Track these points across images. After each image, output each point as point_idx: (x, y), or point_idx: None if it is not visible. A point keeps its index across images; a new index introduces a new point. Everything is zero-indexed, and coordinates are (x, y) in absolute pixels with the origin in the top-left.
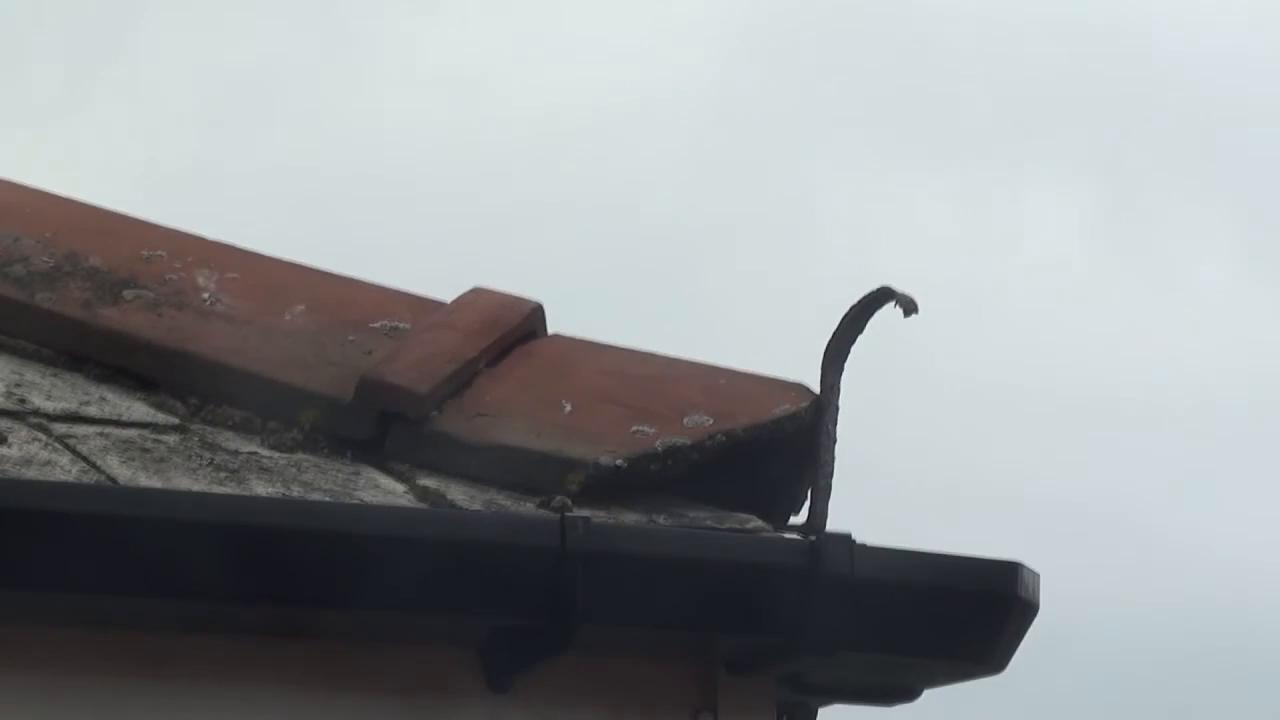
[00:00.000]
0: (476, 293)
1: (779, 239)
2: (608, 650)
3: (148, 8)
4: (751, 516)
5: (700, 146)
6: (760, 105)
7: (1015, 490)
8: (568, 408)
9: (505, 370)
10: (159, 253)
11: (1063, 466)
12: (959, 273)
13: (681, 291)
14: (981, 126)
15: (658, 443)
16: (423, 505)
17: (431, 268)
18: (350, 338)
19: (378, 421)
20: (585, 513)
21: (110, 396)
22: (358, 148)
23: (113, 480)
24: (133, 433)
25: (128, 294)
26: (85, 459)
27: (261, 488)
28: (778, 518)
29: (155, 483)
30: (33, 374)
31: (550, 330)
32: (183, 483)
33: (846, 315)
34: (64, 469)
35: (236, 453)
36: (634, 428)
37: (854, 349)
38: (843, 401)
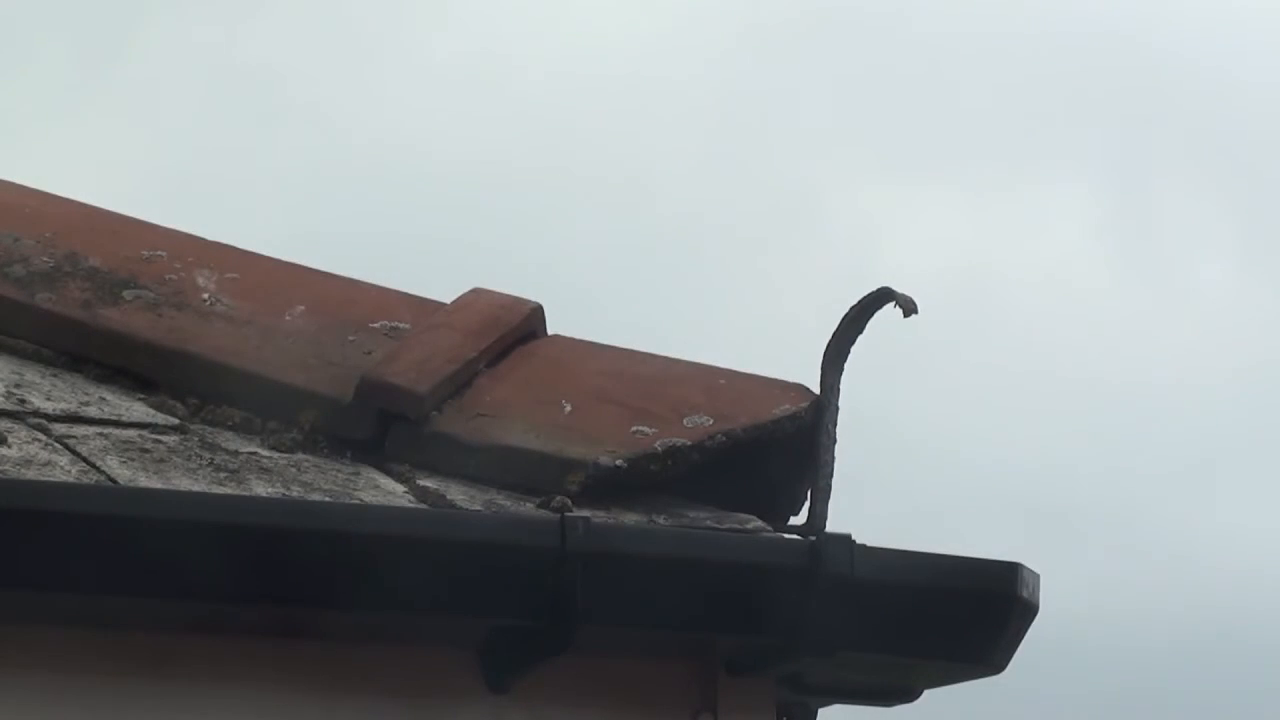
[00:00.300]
0: (476, 293)
1: (782, 239)
2: (607, 650)
3: (152, 7)
4: (751, 517)
5: (705, 146)
6: (765, 105)
7: (1016, 490)
8: (567, 408)
9: (505, 371)
10: (159, 253)
11: (1064, 466)
12: (961, 273)
13: (683, 291)
14: (985, 127)
15: (658, 443)
16: (423, 505)
17: (431, 268)
18: (350, 338)
19: (378, 422)
20: (585, 513)
21: (110, 397)
22: (360, 147)
23: (113, 480)
24: (133, 433)
25: (128, 294)
26: (85, 459)
27: (261, 488)
28: (778, 518)
29: (155, 483)
30: (33, 374)
31: (550, 330)
32: (183, 483)
33: (846, 316)
34: (64, 469)
35: (236, 453)
36: (634, 428)
37: (854, 349)
38: (843, 402)
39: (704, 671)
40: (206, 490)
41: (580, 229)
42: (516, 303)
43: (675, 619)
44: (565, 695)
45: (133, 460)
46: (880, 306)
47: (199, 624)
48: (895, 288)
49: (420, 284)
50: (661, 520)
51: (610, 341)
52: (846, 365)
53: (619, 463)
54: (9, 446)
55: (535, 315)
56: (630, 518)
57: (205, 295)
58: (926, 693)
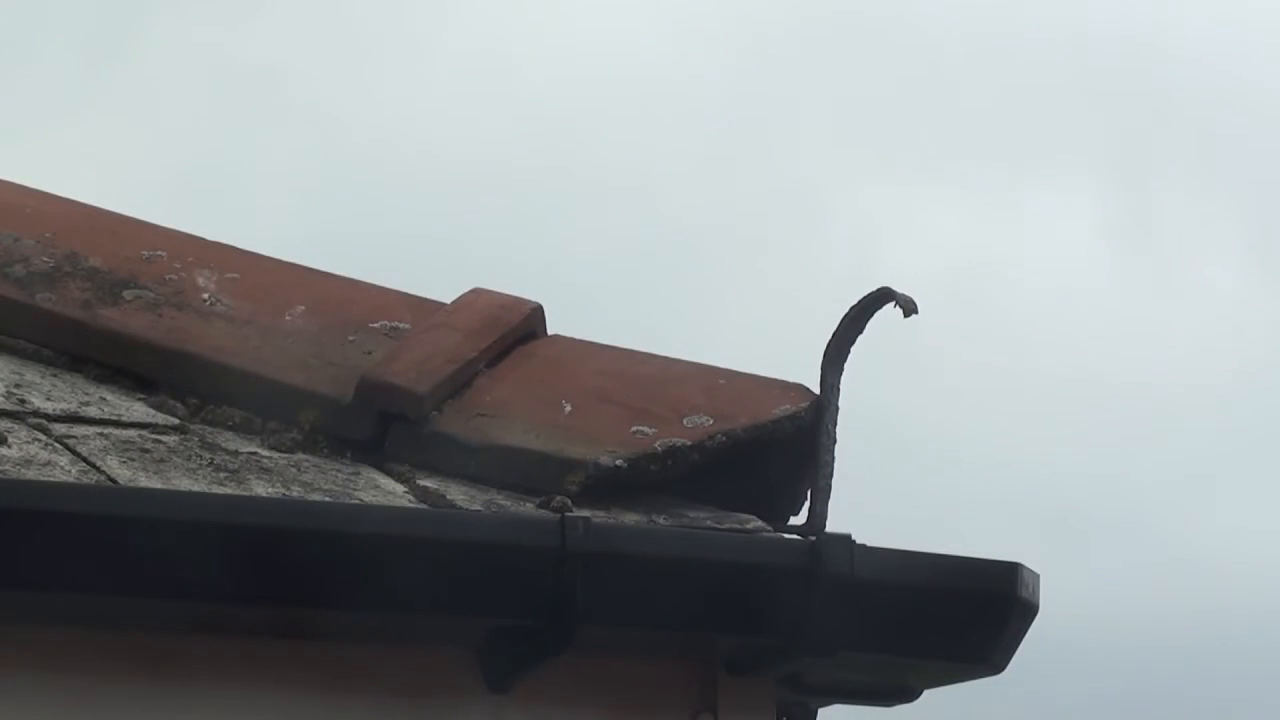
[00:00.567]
0: (476, 293)
1: (784, 239)
2: (607, 651)
3: (154, 7)
4: (751, 517)
5: (706, 146)
6: (767, 105)
7: (1017, 490)
8: (567, 408)
9: (505, 370)
10: (159, 253)
11: (1066, 467)
12: (963, 273)
13: (684, 291)
14: (988, 127)
15: (657, 443)
16: (422, 505)
17: (432, 268)
18: (350, 338)
19: (378, 422)
20: (585, 513)
21: (110, 397)
22: (361, 146)
23: (113, 480)
24: (133, 433)
25: (128, 294)
26: (85, 459)
27: (261, 488)
28: (778, 518)
29: (155, 483)
30: (33, 374)
31: (551, 330)
32: (183, 483)
33: (846, 316)
34: (64, 469)
35: (236, 453)
36: (634, 428)
37: (856, 350)
38: (845, 402)
39: (704, 671)
40: (206, 490)
41: (582, 229)
42: (516, 303)
43: (675, 619)
44: (565, 695)
45: (133, 460)
46: (880, 306)
47: (199, 624)
48: (895, 287)
49: (420, 284)
50: (661, 520)
51: (611, 341)
52: (846, 365)
53: (619, 463)
54: (9, 446)
55: (535, 315)
56: (630, 518)
57: (205, 295)
58: (926, 693)
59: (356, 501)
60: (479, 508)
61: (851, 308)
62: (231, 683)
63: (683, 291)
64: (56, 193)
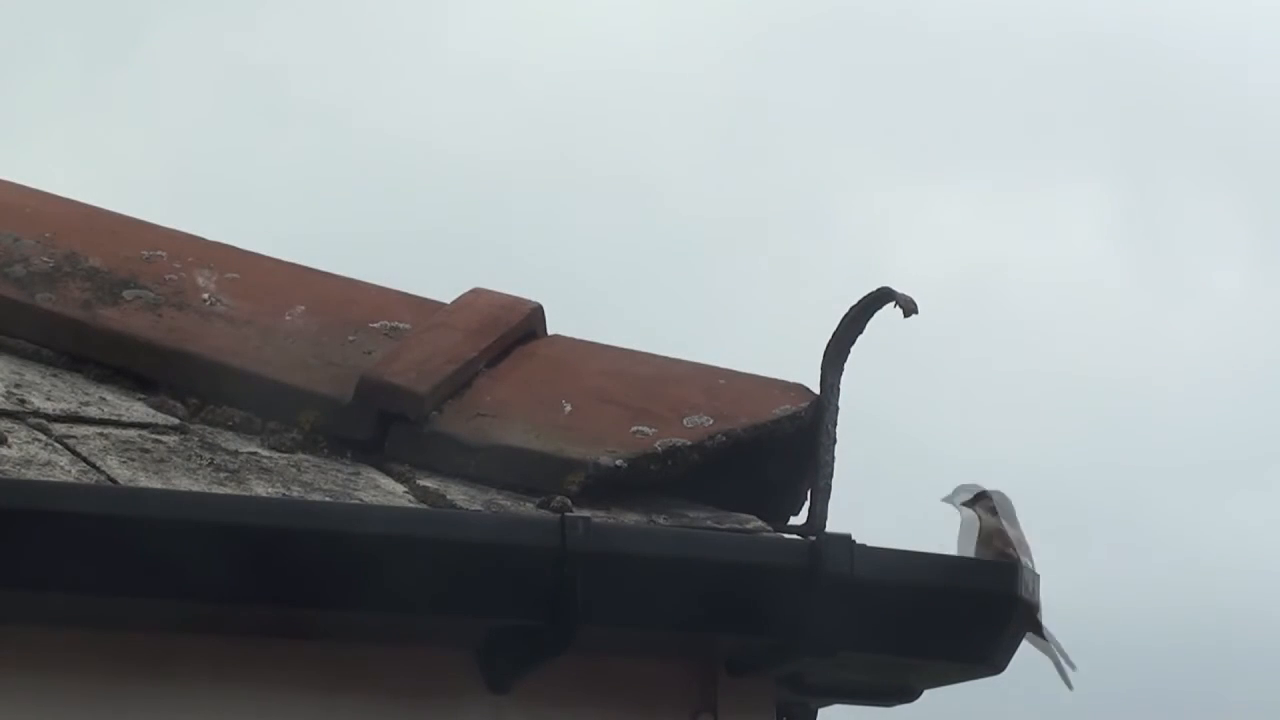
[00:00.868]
0: (476, 293)
1: (792, 239)
2: (608, 651)
3: (159, 7)
4: (751, 517)
5: (713, 145)
6: (774, 104)
7: (1022, 490)
8: (567, 408)
9: (505, 371)
10: (159, 253)
11: (1071, 466)
12: (971, 273)
13: (691, 291)
14: (997, 127)
15: (658, 443)
16: (422, 505)
17: (434, 268)
18: (350, 338)
19: (378, 422)
20: (585, 513)
21: (110, 397)
22: (365, 146)
23: (113, 480)
24: (133, 433)
25: (128, 294)
26: (85, 459)
27: (261, 488)
28: (778, 518)
29: (155, 483)
30: (33, 374)
31: (556, 330)
32: (183, 483)
33: (846, 316)
34: (64, 469)
35: (236, 453)
36: (634, 428)
37: (860, 350)
38: (849, 402)
39: (704, 671)
40: (206, 490)
41: (585, 228)
42: (516, 302)
43: (675, 619)
44: (565, 695)
45: (133, 460)
46: (880, 306)
47: (199, 624)
48: (896, 287)
49: (421, 284)
50: (661, 520)
51: (614, 341)
52: (848, 365)
53: (619, 463)
54: (9, 446)
55: (535, 315)
56: (630, 518)
57: (205, 295)
58: (926, 693)
59: (356, 501)
60: (479, 508)
61: (851, 308)
62: (231, 683)
63: (687, 291)
64: (57, 193)
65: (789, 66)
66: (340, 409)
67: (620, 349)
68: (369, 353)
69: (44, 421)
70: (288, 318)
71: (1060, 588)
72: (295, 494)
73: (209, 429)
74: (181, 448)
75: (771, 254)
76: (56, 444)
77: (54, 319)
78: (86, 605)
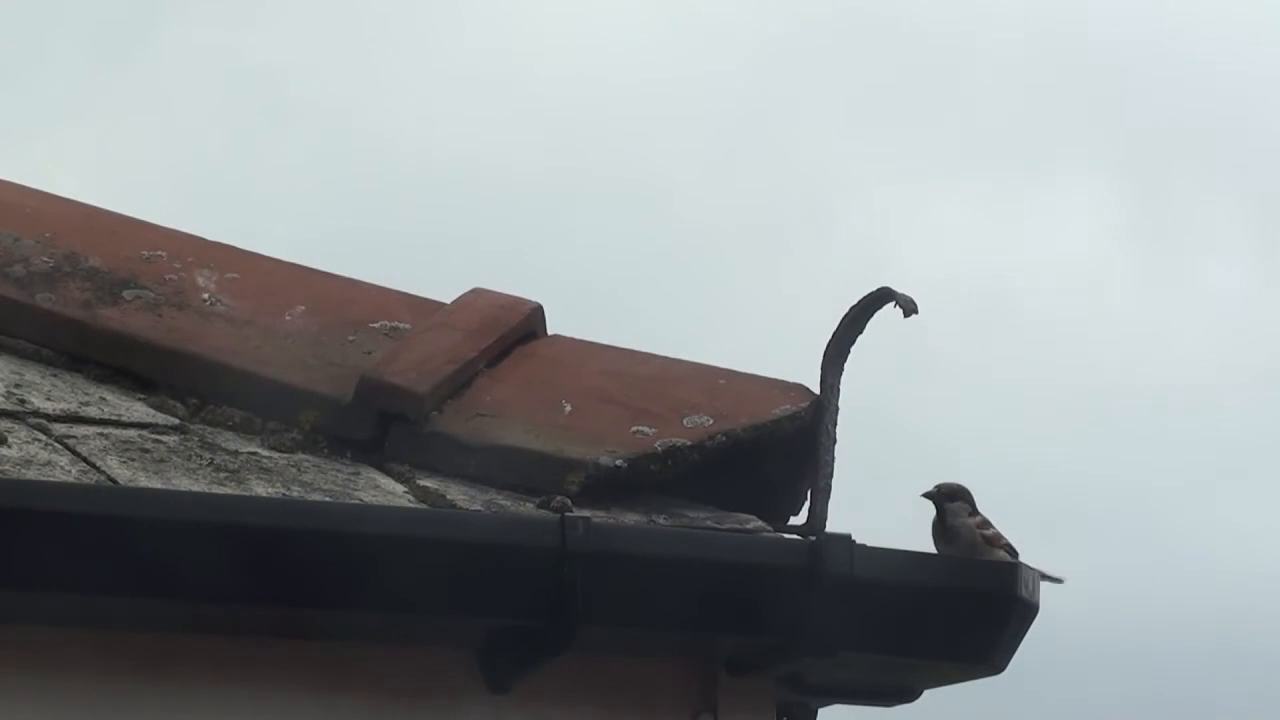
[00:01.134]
0: (476, 293)
1: (798, 240)
2: (608, 650)
3: (165, 8)
4: (751, 517)
5: (719, 147)
6: (780, 106)
7: (1027, 490)
8: (567, 408)
9: (505, 371)
10: (159, 253)
11: (1077, 467)
12: (976, 274)
13: (697, 293)
14: (1002, 129)
15: (658, 443)
16: (422, 505)
17: (436, 268)
18: (350, 338)
19: (378, 422)
20: (585, 513)
21: (110, 397)
22: (369, 147)
23: (113, 480)
24: (133, 433)
25: (128, 294)
26: (85, 459)
27: (261, 488)
28: (778, 518)
29: (155, 483)
30: (33, 374)
31: (562, 331)
32: (183, 483)
33: (846, 316)
34: (64, 469)
35: (236, 453)
36: (634, 428)
37: (864, 350)
38: (855, 402)
39: (704, 671)
40: (206, 490)
41: (591, 229)
42: (516, 303)
43: (675, 619)
44: (565, 695)
45: (133, 460)
46: (880, 307)
47: (199, 624)
48: (895, 287)
49: (424, 284)
50: (661, 520)
51: (619, 342)
52: (849, 365)
53: (619, 463)
54: (9, 446)
55: (535, 315)
56: (630, 518)
57: (205, 295)
58: (926, 693)
59: (356, 501)
60: (479, 508)
61: (851, 308)
62: (231, 683)
63: (689, 292)
64: (57, 193)
65: (792, 69)
66: (340, 409)
67: (620, 349)
68: (369, 353)
69: (44, 421)
70: (288, 318)
71: (1061, 589)
72: (295, 494)
73: (209, 429)
74: (181, 448)
75: (774, 255)
76: (56, 444)
77: (54, 319)
78: (86, 605)
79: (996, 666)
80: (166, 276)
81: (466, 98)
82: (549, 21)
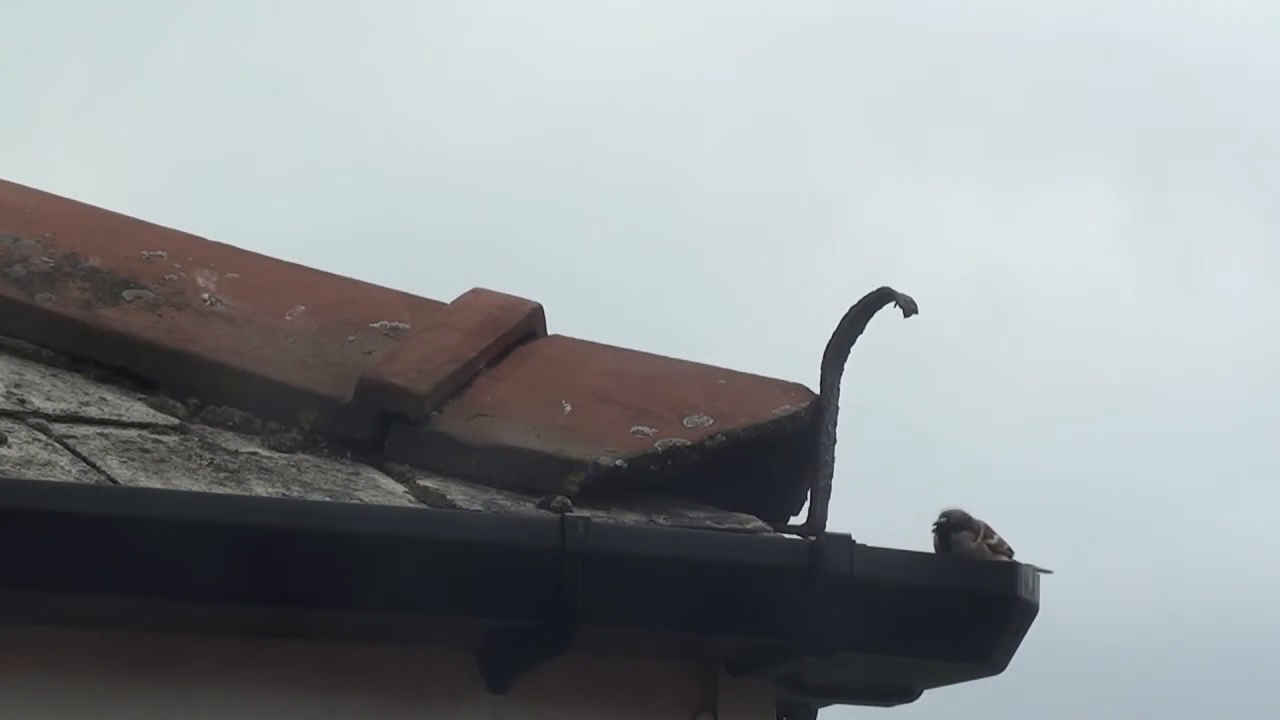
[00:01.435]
0: (476, 293)
1: (806, 240)
2: (607, 650)
3: (171, 9)
4: (751, 517)
5: (727, 148)
6: (788, 107)
7: (1032, 490)
8: (567, 408)
9: (505, 371)
10: (159, 253)
11: (1074, 466)
12: (983, 274)
13: (704, 293)
14: (1010, 130)
15: (657, 443)
16: (422, 505)
17: (439, 268)
18: (350, 338)
19: (378, 422)
20: (585, 513)
21: (110, 397)
22: (375, 147)
23: (113, 480)
24: (133, 433)
25: (128, 294)
26: (85, 459)
27: (261, 488)
28: (778, 518)
29: (155, 483)
30: (33, 374)
31: (567, 331)
32: (183, 483)
33: (846, 316)
34: (64, 469)
35: (236, 453)
36: (634, 428)
37: (866, 349)
38: (859, 401)
39: (704, 671)
40: (206, 490)
41: (598, 230)
42: (516, 303)
43: (675, 619)
44: (565, 695)
45: (133, 460)
46: (880, 307)
47: (199, 624)
48: (896, 288)
49: (428, 286)
50: (661, 520)
51: (625, 342)
52: (852, 365)
53: (619, 463)
54: (9, 446)
55: (535, 315)
56: (630, 518)
57: (205, 295)
58: (926, 693)
59: (356, 501)
60: (479, 508)
61: (851, 308)
62: (231, 683)
63: (694, 292)
64: (59, 193)
65: (798, 69)
66: (340, 409)
67: (620, 349)
68: (369, 353)
69: (44, 421)
70: (288, 318)
71: (1066, 589)
72: (295, 494)
73: (209, 429)
74: (181, 448)
75: (777, 255)
76: (56, 444)
77: (54, 319)
78: (87, 605)
79: (996, 666)
80: (166, 276)
81: (469, 98)
82: (552, 22)
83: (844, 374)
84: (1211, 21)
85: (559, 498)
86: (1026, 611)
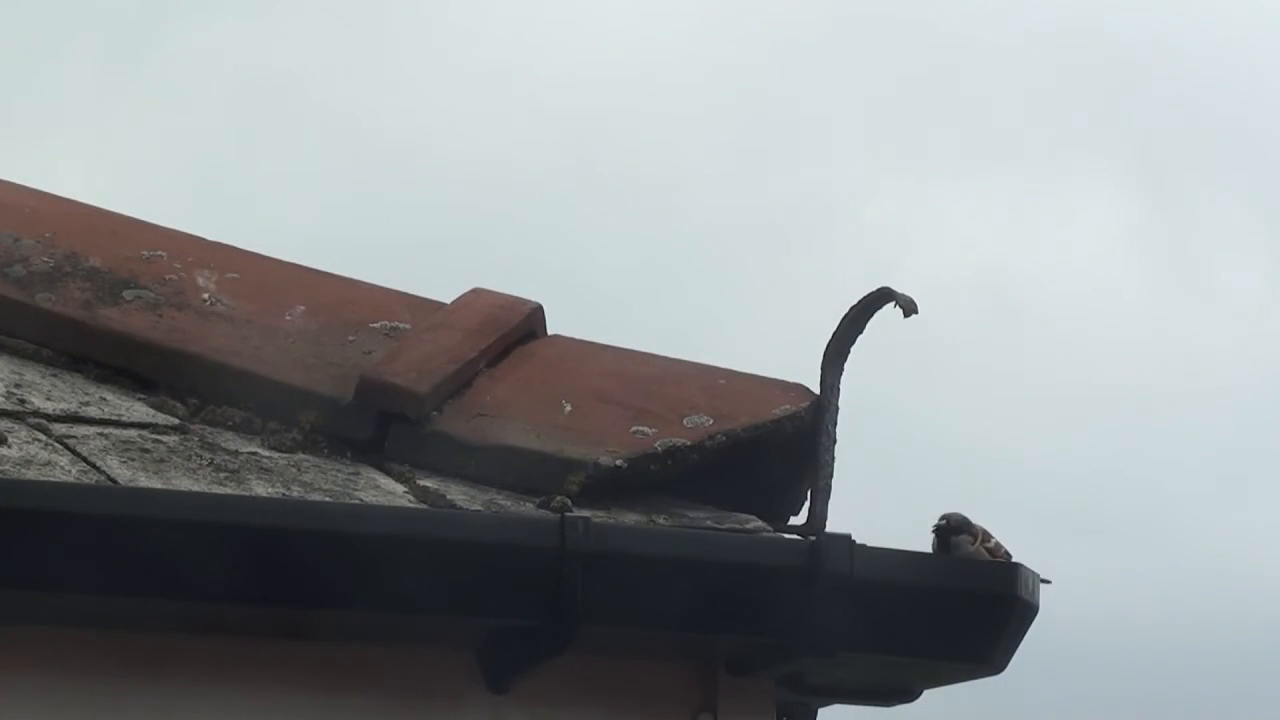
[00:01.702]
0: (476, 293)
1: (810, 242)
2: (608, 650)
3: (175, 11)
4: (751, 517)
5: (731, 149)
6: (792, 109)
7: (1034, 491)
8: (567, 408)
9: (505, 371)
10: (159, 253)
11: (1086, 468)
12: (989, 276)
13: (708, 294)
14: (1016, 131)
15: (657, 443)
16: (422, 505)
17: (441, 268)
18: (350, 338)
19: (378, 422)
20: (585, 513)
21: (110, 397)
22: (377, 148)
23: (113, 480)
24: (133, 433)
25: (128, 294)
26: (85, 459)
27: (261, 488)
28: (778, 518)
29: (155, 483)
30: (33, 374)
31: (570, 332)
32: (183, 483)
33: (846, 316)
34: (64, 469)
35: (236, 453)
36: (634, 428)
37: (867, 349)
38: (852, 400)
39: (704, 671)
40: (206, 490)
41: (604, 230)
42: (516, 303)
43: (675, 619)
44: (565, 695)
45: (133, 460)
46: (880, 307)
47: (199, 624)
48: (897, 288)
49: (422, 284)
50: (661, 520)
51: (620, 342)
52: (853, 365)
53: (619, 463)
54: (9, 446)
55: (535, 315)
56: (630, 518)
57: (205, 295)
58: (926, 693)
59: (356, 501)
60: (479, 508)
61: (851, 308)
62: (231, 683)
63: (696, 293)
64: (59, 193)
65: (801, 70)
66: (340, 409)
67: (620, 349)
68: (369, 353)
69: (44, 421)
70: (288, 318)
71: (1070, 589)
72: (295, 494)
73: (209, 429)
74: (181, 448)
75: (779, 255)
76: (56, 444)
77: (54, 319)
78: (86, 605)
79: (996, 666)
80: (166, 276)
81: (471, 98)
82: (552, 22)
83: (844, 374)
84: (1222, 22)
85: (559, 498)
86: (1026, 612)
